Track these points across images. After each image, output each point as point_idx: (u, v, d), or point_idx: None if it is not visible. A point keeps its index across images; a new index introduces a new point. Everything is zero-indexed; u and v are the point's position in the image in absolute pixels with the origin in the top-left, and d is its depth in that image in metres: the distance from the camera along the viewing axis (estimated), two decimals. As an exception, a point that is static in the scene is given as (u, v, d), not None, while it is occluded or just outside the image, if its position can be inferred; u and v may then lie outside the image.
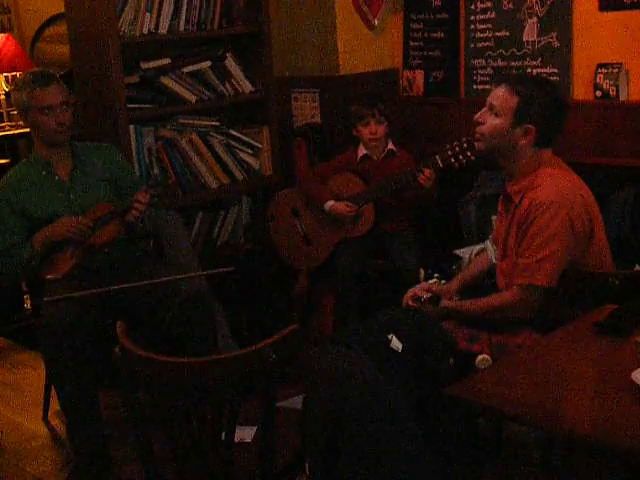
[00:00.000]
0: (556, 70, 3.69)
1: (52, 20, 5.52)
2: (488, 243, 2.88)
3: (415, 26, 4.27)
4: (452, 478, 2.38)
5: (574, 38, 3.63)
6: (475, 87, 4.04)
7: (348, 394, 2.16)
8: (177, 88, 3.89)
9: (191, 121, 4.01)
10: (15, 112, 4.71)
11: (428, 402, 2.34)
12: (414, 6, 4.25)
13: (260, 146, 4.17)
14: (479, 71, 4.01)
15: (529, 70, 3.77)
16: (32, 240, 3.06)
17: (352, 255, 3.67)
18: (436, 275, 2.70)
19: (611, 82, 3.49)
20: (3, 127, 5.27)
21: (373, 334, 2.45)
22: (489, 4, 3.91)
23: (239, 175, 4.13)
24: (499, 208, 2.75)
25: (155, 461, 2.13)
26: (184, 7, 3.84)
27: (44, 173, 3.16)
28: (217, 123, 4.10)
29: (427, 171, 3.45)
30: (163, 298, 3.06)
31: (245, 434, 2.27)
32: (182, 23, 3.86)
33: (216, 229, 4.15)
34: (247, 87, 4.10)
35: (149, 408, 2.06)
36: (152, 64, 3.85)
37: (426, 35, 4.23)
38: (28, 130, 3.38)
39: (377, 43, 4.31)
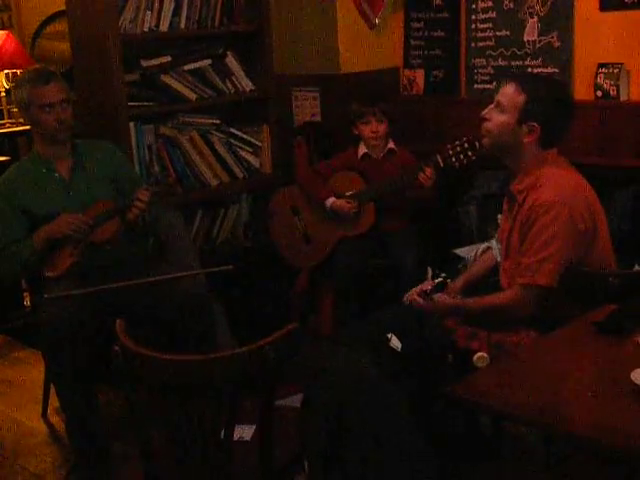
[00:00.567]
0: (557, 70, 3.69)
1: (53, 17, 5.51)
2: (494, 242, 2.88)
3: (416, 25, 4.27)
4: (451, 477, 2.38)
5: (575, 38, 3.63)
6: (476, 86, 4.04)
7: (347, 392, 2.16)
8: (177, 86, 3.89)
9: (191, 119, 4.01)
10: (15, 109, 4.72)
11: (427, 401, 2.34)
12: (415, 5, 4.25)
13: (260, 144, 4.17)
14: (480, 70, 4.01)
15: (529, 70, 3.77)
16: (32, 237, 3.06)
17: (352, 254, 3.67)
18: (443, 275, 2.70)
19: (612, 82, 3.49)
20: (3, 124, 5.27)
21: (372, 333, 2.45)
22: (490, 3, 3.91)
23: (239, 173, 4.13)
24: (504, 207, 2.75)
25: (154, 459, 2.13)
26: (185, 5, 3.84)
27: (44, 171, 3.16)
28: (217, 121, 4.10)
29: (428, 170, 3.46)
30: (163, 296, 3.06)
31: (244, 432, 2.27)
32: (183, 21, 3.86)
33: (216, 227, 4.15)
34: (247, 85, 4.10)
35: (148, 406, 2.06)
36: (153, 62, 3.85)
37: (427, 34, 4.22)
38: (28, 127, 3.38)
39: (378, 42, 4.31)
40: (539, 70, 3.74)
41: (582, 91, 3.63)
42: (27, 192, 3.11)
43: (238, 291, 3.90)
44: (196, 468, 2.06)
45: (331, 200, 3.70)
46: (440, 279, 2.69)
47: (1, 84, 5.21)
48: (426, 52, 4.24)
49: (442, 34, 4.16)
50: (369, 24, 4.26)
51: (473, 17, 4.00)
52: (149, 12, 3.74)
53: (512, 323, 2.55)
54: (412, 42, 4.30)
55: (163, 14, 3.78)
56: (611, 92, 3.50)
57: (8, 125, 5.24)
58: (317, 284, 3.97)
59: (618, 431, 1.66)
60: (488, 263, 2.86)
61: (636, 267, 2.85)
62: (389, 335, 2.41)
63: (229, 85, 4.06)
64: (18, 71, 4.91)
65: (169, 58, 3.90)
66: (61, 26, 5.25)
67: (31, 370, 3.90)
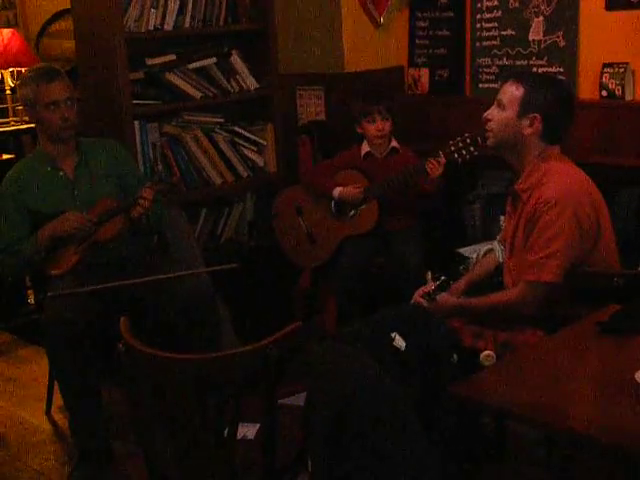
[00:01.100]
0: (562, 69, 3.68)
1: (57, 16, 5.52)
2: (496, 243, 2.88)
3: (421, 24, 4.26)
4: (454, 476, 2.38)
5: (580, 37, 3.62)
6: (480, 86, 4.04)
7: (351, 392, 2.16)
8: (182, 84, 3.89)
9: (196, 117, 4.02)
10: (20, 107, 4.72)
11: (432, 400, 2.34)
12: (420, 4, 4.24)
13: (264, 143, 4.17)
14: (484, 70, 4.00)
15: (534, 69, 3.77)
16: (36, 235, 3.06)
17: (355, 253, 3.67)
18: (443, 277, 2.70)
19: (617, 82, 3.48)
20: (8, 122, 5.27)
21: (376, 332, 2.45)
22: (495, 2, 3.90)
23: (243, 172, 4.13)
24: (507, 208, 2.75)
25: (158, 457, 2.13)
26: (190, 3, 3.85)
27: (49, 169, 3.16)
28: (222, 120, 4.10)
29: (435, 160, 3.44)
30: (167, 294, 3.06)
31: (247, 431, 2.27)
32: (188, 19, 3.86)
33: (220, 226, 4.16)
34: (252, 84, 4.10)
35: (152, 404, 2.06)
36: (157, 60, 3.86)
37: (432, 33, 4.22)
38: (33, 125, 3.38)
39: (382, 41, 4.30)
40: (544, 69, 3.73)
41: (587, 91, 3.63)
42: (32, 190, 3.12)
43: (242, 290, 3.90)
44: (199, 467, 2.06)
45: (338, 189, 3.69)
46: (441, 280, 2.69)
47: (6, 82, 5.21)
48: (431, 51, 4.24)
49: (447, 33, 4.16)
50: (374, 23, 4.26)
51: (478, 16, 4.00)
52: (154, 10, 3.75)
53: (518, 321, 2.55)
54: (417, 41, 4.29)
55: (168, 13, 3.79)
56: (616, 92, 3.49)
57: (13, 123, 5.25)
58: (321, 283, 3.97)
59: (622, 431, 1.66)
60: (490, 265, 2.86)
61: (640, 267, 2.84)
62: (393, 334, 2.41)
63: (234, 84, 4.06)
64: (23, 69, 4.91)
65: (174, 57, 3.90)
66: (66, 24, 5.26)
67: (35, 368, 3.91)
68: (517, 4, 3.82)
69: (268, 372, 1.95)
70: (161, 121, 3.91)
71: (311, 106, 4.33)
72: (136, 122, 3.75)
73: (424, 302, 2.67)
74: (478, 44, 4.02)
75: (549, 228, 2.46)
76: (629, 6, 3.44)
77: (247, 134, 4.14)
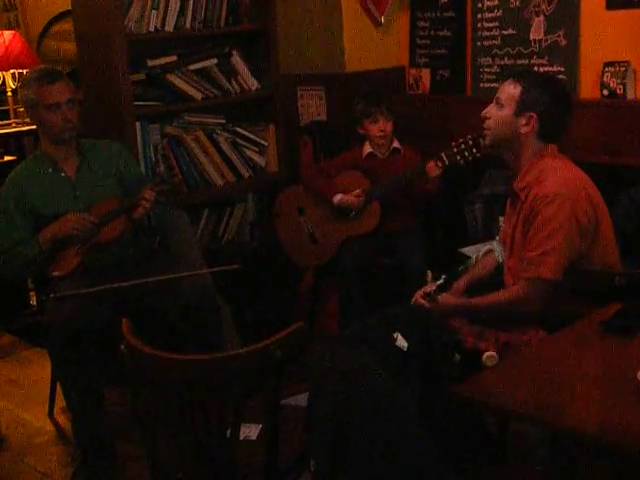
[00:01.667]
0: (563, 68, 3.68)
1: (59, 17, 5.53)
2: (495, 244, 2.88)
3: (421, 24, 4.26)
4: (457, 476, 2.38)
5: (581, 36, 3.62)
6: (481, 85, 4.03)
7: (353, 392, 2.16)
8: (183, 85, 3.90)
9: (197, 118, 4.02)
10: (22, 109, 4.73)
11: (434, 400, 2.34)
12: (420, 4, 4.24)
13: (266, 144, 4.18)
14: (485, 69, 4.00)
15: (535, 68, 3.76)
16: (38, 237, 3.07)
17: (357, 253, 3.67)
18: (443, 277, 2.70)
19: (618, 81, 3.48)
20: (10, 124, 5.28)
21: (379, 332, 2.45)
22: (496, 2, 3.90)
23: (245, 172, 4.13)
24: (507, 209, 2.75)
25: (160, 458, 2.13)
26: (190, 4, 3.85)
27: (50, 170, 3.16)
28: (223, 120, 4.10)
29: (433, 162, 3.44)
30: (169, 295, 3.06)
31: (250, 431, 2.27)
32: (188, 20, 3.86)
33: (222, 227, 4.16)
34: (253, 84, 4.11)
35: (154, 405, 2.06)
36: (158, 61, 3.86)
37: (432, 33, 4.22)
38: (35, 127, 3.39)
39: (383, 41, 4.30)
40: (545, 69, 3.73)
41: (588, 90, 3.62)
42: (33, 192, 3.12)
43: (244, 291, 3.91)
44: (202, 468, 2.06)
45: (339, 197, 3.69)
46: (442, 280, 2.69)
47: (8, 84, 5.22)
48: (432, 51, 4.24)
49: (448, 33, 4.16)
50: (375, 23, 4.25)
51: (479, 16, 3.99)
52: (155, 12, 3.75)
53: (519, 321, 2.55)
54: (418, 41, 4.29)
55: (169, 14, 3.79)
56: (617, 91, 3.49)
57: (14, 125, 5.25)
58: (323, 284, 3.97)
59: (625, 430, 1.65)
60: (490, 265, 2.87)
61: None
62: (395, 334, 2.41)
63: (235, 84, 4.06)
64: (24, 71, 4.92)
65: (175, 58, 3.90)
66: (67, 26, 5.26)
67: (37, 369, 3.91)
68: (518, 3, 3.81)
69: (270, 373, 1.95)
70: (162, 122, 3.92)
71: (312, 106, 4.33)
72: (137, 123, 3.76)
73: (425, 302, 2.67)
74: (479, 44, 4.02)
75: (547, 224, 2.47)
76: (630, 5, 3.44)
77: (248, 135, 4.14)
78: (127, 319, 2.06)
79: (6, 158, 4.77)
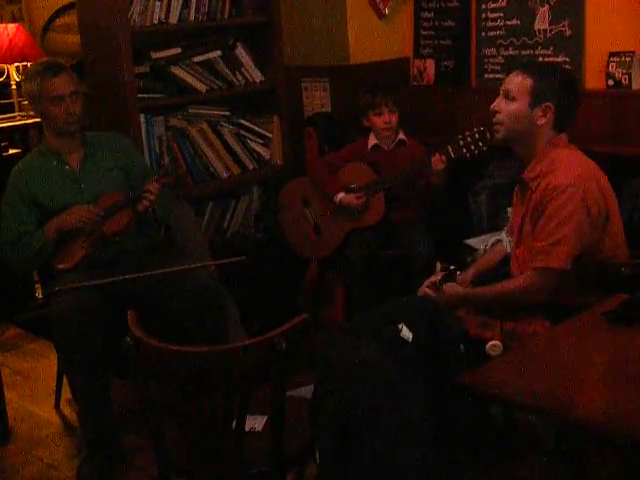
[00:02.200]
0: (568, 59, 3.67)
1: (62, 10, 5.52)
2: (504, 234, 2.88)
3: (426, 15, 4.25)
4: (463, 467, 2.38)
5: (586, 26, 3.60)
6: (486, 76, 4.02)
7: (358, 383, 2.16)
8: (187, 78, 3.89)
9: (201, 111, 4.01)
10: (26, 102, 4.72)
11: (439, 391, 2.34)
12: (425, -5, 4.23)
13: (270, 135, 4.17)
14: (490, 60, 3.99)
15: (540, 59, 3.75)
16: (43, 230, 3.07)
17: (362, 245, 3.67)
18: (452, 267, 2.70)
19: (623, 70, 3.47)
20: (14, 117, 5.27)
21: (383, 323, 2.45)
22: (500, -8, 3.89)
23: (249, 165, 4.13)
24: (514, 199, 2.74)
25: (166, 450, 2.14)
26: (194, -4, 3.84)
27: (55, 163, 3.16)
28: (227, 113, 4.10)
29: (439, 155, 3.44)
30: (174, 287, 3.06)
31: (255, 423, 2.28)
32: (192, 12, 3.85)
33: (227, 219, 4.16)
34: (257, 76, 4.10)
35: (160, 397, 2.07)
36: (162, 54, 3.85)
37: (437, 24, 4.21)
38: (39, 120, 3.39)
39: (388, 32, 4.29)
40: (550, 59, 3.72)
41: (593, 80, 3.61)
42: (38, 184, 3.12)
43: (249, 282, 3.91)
44: (208, 459, 2.07)
45: (340, 195, 3.70)
46: (449, 270, 2.68)
47: (12, 77, 5.21)
48: (436, 42, 4.22)
49: (452, 24, 4.14)
50: (379, 14, 4.24)
51: (483, 6, 3.98)
52: (158, 4, 3.74)
53: (525, 311, 2.55)
54: (422, 32, 4.28)
55: (172, 6, 3.78)
56: (623, 81, 3.47)
57: (19, 118, 5.25)
58: (328, 275, 3.97)
59: (631, 420, 1.65)
60: (498, 255, 2.86)
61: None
62: (400, 325, 2.41)
63: (239, 76, 4.05)
64: (29, 64, 4.91)
65: (179, 50, 3.90)
66: (71, 19, 5.25)
67: (44, 362, 3.92)
68: (522, -7, 3.80)
69: (276, 364, 1.95)
70: (167, 114, 3.91)
71: (316, 98, 4.33)
72: (142, 116, 3.75)
73: (431, 292, 2.66)
74: (483, 34, 4.00)
75: (557, 214, 2.46)
76: (635, -6, 3.43)
77: (253, 127, 4.14)
78: (132, 311, 2.07)
79: (11, 151, 4.77)
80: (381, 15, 4.24)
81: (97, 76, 3.82)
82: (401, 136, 3.78)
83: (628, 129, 3.47)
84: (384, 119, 3.69)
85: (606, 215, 2.52)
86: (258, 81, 4.10)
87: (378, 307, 2.59)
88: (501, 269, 2.79)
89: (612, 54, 3.50)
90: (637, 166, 3.32)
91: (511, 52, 3.89)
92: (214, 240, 4.02)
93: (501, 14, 3.90)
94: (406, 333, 2.39)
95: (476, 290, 2.66)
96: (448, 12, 4.14)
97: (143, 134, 3.76)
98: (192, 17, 3.86)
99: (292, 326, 1.96)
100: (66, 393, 3.37)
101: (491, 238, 2.98)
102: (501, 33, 3.92)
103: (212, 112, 4.06)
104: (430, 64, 4.26)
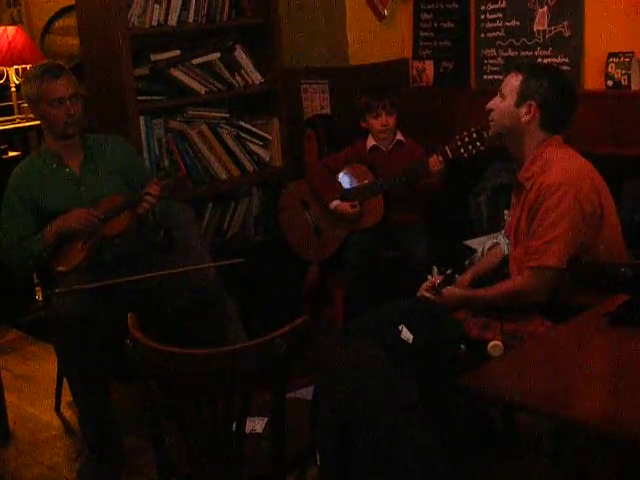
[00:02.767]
0: (567, 60, 3.67)
1: (62, 12, 5.52)
2: (501, 237, 2.88)
3: (425, 16, 4.25)
4: (463, 468, 2.38)
5: (585, 27, 3.60)
6: (485, 77, 4.02)
7: (359, 385, 2.16)
8: (187, 80, 3.89)
9: (201, 113, 4.02)
10: (25, 105, 4.72)
11: (439, 393, 2.34)
12: (424, -4, 4.23)
13: (270, 137, 4.17)
14: (489, 61, 3.99)
15: (540, 60, 3.75)
16: (43, 232, 3.07)
17: (362, 247, 3.67)
18: (448, 272, 2.70)
19: (623, 71, 3.47)
20: (14, 120, 5.28)
21: (383, 325, 2.45)
22: (499, -7, 3.89)
23: (249, 166, 4.13)
24: (512, 201, 2.75)
25: (166, 452, 2.14)
26: (193, -2, 3.84)
27: (54, 165, 3.16)
28: (227, 114, 4.10)
29: (436, 155, 3.44)
30: (174, 290, 3.06)
31: (256, 425, 2.27)
32: (191, 15, 3.86)
33: (226, 221, 4.16)
34: (257, 78, 4.10)
35: (160, 399, 2.07)
36: (162, 56, 3.85)
37: (436, 25, 4.21)
38: (39, 122, 3.39)
39: (387, 33, 4.29)
40: (549, 60, 3.72)
41: (593, 81, 3.61)
42: (38, 187, 3.12)
43: (249, 284, 3.91)
44: (208, 461, 2.07)
45: (335, 203, 3.71)
46: (447, 274, 2.69)
47: (11, 79, 5.22)
48: (435, 43, 4.23)
49: (451, 25, 4.15)
50: (378, 15, 4.24)
51: (482, 7, 3.98)
52: (157, 6, 3.75)
53: (524, 311, 2.55)
54: (421, 33, 4.28)
55: (171, 8, 3.78)
56: (622, 82, 3.48)
57: (18, 120, 5.25)
58: (328, 277, 3.97)
59: (629, 421, 1.65)
60: (495, 258, 2.86)
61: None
62: (400, 327, 2.41)
63: (238, 78, 4.06)
64: (28, 66, 4.91)
65: (178, 52, 3.90)
66: (70, 21, 5.25)
67: (44, 364, 3.92)
68: (521, -5, 3.80)
69: (276, 366, 1.95)
70: (166, 117, 3.92)
71: (316, 100, 4.33)
72: (141, 118, 3.75)
73: (430, 295, 2.67)
74: (482, 35, 4.01)
75: (551, 213, 2.47)
76: (634, -5, 3.43)
77: (252, 129, 4.14)
78: (133, 313, 2.07)
79: (10, 154, 4.77)
80: (380, 16, 4.24)
81: (96, 78, 3.82)
82: (399, 137, 3.78)
83: (627, 130, 3.47)
84: (381, 121, 3.69)
85: (601, 214, 2.52)
86: (257, 83, 4.11)
87: (378, 309, 2.59)
88: (499, 271, 2.80)
89: (611, 55, 3.50)
90: (636, 167, 3.33)
91: (510, 53, 3.89)
92: (214, 242, 4.02)
93: (500, 15, 3.90)
94: (406, 334, 2.40)
95: (475, 292, 2.67)
96: (447, 13, 4.15)
97: (143, 136, 3.76)
98: (191, 19, 3.86)
99: (292, 328, 1.96)
100: (66, 396, 3.37)
101: (489, 241, 2.98)
102: (500, 34, 3.92)
103: (211, 114, 4.06)
104: (429, 65, 4.26)
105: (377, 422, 2.13)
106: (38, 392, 3.68)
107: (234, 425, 2.00)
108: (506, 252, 2.82)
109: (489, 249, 2.93)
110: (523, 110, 2.55)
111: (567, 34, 3.66)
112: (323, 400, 2.23)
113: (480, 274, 2.85)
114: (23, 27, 5.61)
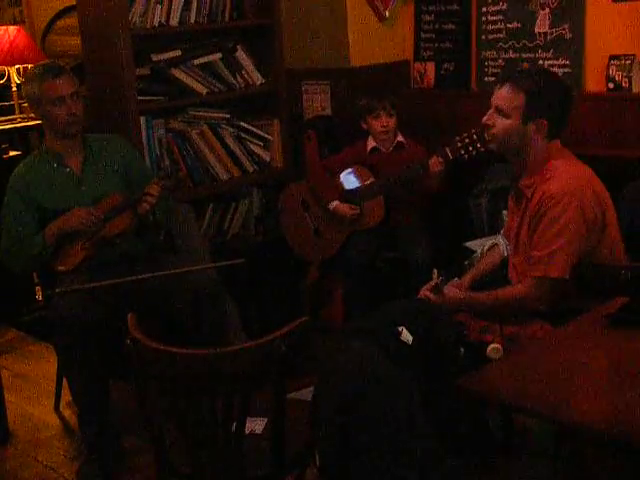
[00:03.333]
0: (568, 62, 3.67)
1: (63, 12, 5.53)
2: (500, 238, 2.88)
3: (426, 18, 4.25)
4: (462, 470, 2.38)
5: (586, 29, 3.60)
6: (486, 79, 4.02)
7: (358, 386, 2.16)
8: (188, 80, 3.89)
9: (202, 113, 4.02)
10: (26, 104, 4.73)
11: (438, 394, 2.34)
12: (425, -3, 4.23)
13: (270, 138, 4.17)
14: (490, 63, 3.99)
15: (541, 62, 3.76)
16: (44, 232, 3.07)
17: (362, 247, 3.67)
18: (440, 278, 2.70)
19: (623, 74, 3.47)
20: (15, 119, 5.28)
21: (383, 326, 2.45)
22: (501, -5, 3.89)
23: (250, 167, 4.13)
24: (509, 204, 2.75)
25: (166, 452, 2.14)
26: (195, -1, 3.84)
27: (55, 165, 3.17)
28: (228, 115, 4.10)
29: (436, 157, 3.44)
30: (174, 290, 3.06)
31: (256, 425, 2.28)
32: (193, 15, 3.86)
33: (227, 221, 4.16)
34: (258, 79, 4.10)
35: (160, 399, 2.07)
36: (163, 56, 3.86)
37: (437, 27, 4.21)
38: (40, 122, 3.39)
39: (388, 35, 4.30)
40: (550, 62, 3.72)
41: (594, 83, 3.61)
42: (39, 187, 3.12)
43: (249, 285, 3.91)
44: (208, 461, 2.07)
45: (334, 204, 3.71)
46: (446, 277, 2.69)
47: (12, 79, 5.22)
48: (437, 45, 4.23)
49: (453, 27, 4.15)
50: (379, 17, 4.25)
51: (484, 9, 3.98)
52: (159, 6, 3.75)
53: (525, 315, 2.55)
54: (422, 35, 4.28)
55: (173, 8, 3.79)
56: (623, 84, 3.48)
57: (19, 120, 5.26)
58: (328, 277, 3.97)
59: (629, 424, 1.65)
60: (495, 260, 2.86)
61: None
62: (400, 328, 2.41)
63: (239, 79, 4.06)
64: (29, 66, 4.92)
65: (179, 52, 3.90)
66: (71, 21, 5.26)
67: (44, 364, 3.92)
68: (523, -3, 3.80)
69: (275, 367, 1.95)
70: (167, 117, 3.92)
71: (317, 101, 4.33)
72: (142, 118, 3.75)
73: (431, 296, 2.67)
74: (484, 37, 4.01)
75: (555, 223, 2.46)
76: (635, -2, 3.43)
77: (253, 129, 4.14)
78: (133, 313, 2.07)
79: (11, 153, 4.77)
80: (382, 18, 4.24)
81: (97, 78, 3.82)
82: (400, 139, 3.78)
83: (628, 132, 3.47)
84: (382, 122, 3.69)
85: (603, 221, 2.52)
86: (258, 84, 4.11)
87: (378, 310, 2.59)
88: (499, 273, 2.80)
89: (612, 57, 3.50)
90: (636, 169, 3.32)
91: (511, 55, 3.89)
92: (214, 242, 4.03)
93: (501, 17, 3.90)
94: (406, 336, 2.40)
95: (476, 295, 2.66)
96: (449, 15, 4.15)
97: (143, 136, 3.76)
98: (193, 19, 3.86)
99: (292, 328, 1.96)
100: (66, 395, 3.37)
101: (488, 242, 2.98)
102: (501, 36, 3.92)
103: (212, 115, 4.06)
104: (430, 67, 4.26)
105: (377, 423, 2.13)
106: (38, 392, 3.68)
107: (234, 425, 2.00)
108: (505, 254, 2.82)
109: (488, 250, 2.93)
110: (532, 127, 2.51)
111: (568, 36, 3.66)
112: (323, 401, 2.23)
113: (479, 277, 2.85)
114: (25, 27, 5.61)
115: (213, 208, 4.09)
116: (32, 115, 4.85)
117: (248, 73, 4.07)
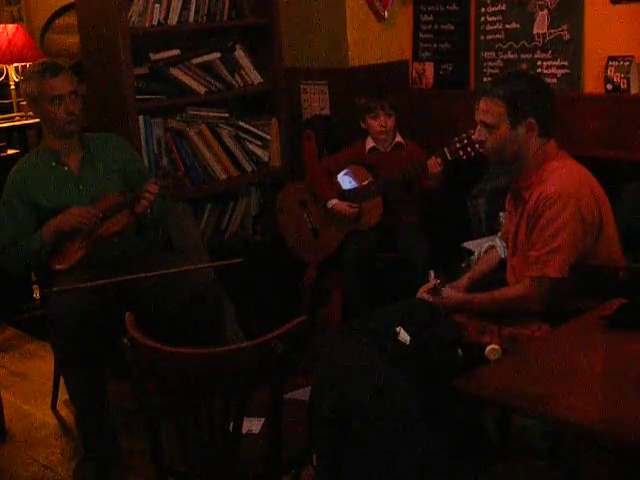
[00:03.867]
0: (566, 63, 3.67)
1: (62, 11, 5.52)
2: (497, 240, 2.88)
3: (425, 18, 4.25)
4: (459, 470, 2.38)
5: (585, 31, 3.61)
6: (485, 80, 4.02)
7: (355, 386, 2.16)
8: (186, 79, 3.89)
9: (200, 112, 4.01)
10: (25, 103, 4.72)
11: (436, 395, 2.34)
12: (424, -2, 4.23)
13: (269, 138, 4.17)
14: (489, 64, 3.99)
15: (539, 63, 3.76)
16: (41, 231, 3.07)
17: (360, 247, 3.67)
18: (439, 281, 2.70)
19: (622, 75, 3.47)
20: (13, 118, 5.27)
21: (381, 327, 2.45)
22: (499, -4, 3.89)
23: (248, 167, 4.13)
24: (507, 206, 2.75)
25: (163, 451, 2.13)
26: (194, -2, 3.84)
27: (53, 164, 3.16)
28: (226, 114, 4.10)
29: (435, 158, 3.44)
30: (171, 289, 3.06)
31: (253, 425, 2.27)
32: (192, 14, 3.85)
33: (225, 221, 4.15)
34: (256, 78, 4.10)
35: (157, 399, 2.07)
36: (161, 55, 3.85)
37: (436, 27, 4.21)
38: (38, 121, 3.39)
39: (387, 35, 4.30)
40: (549, 63, 3.72)
41: (592, 84, 3.61)
42: (37, 185, 3.12)
43: (247, 285, 3.91)
44: (205, 461, 2.07)
45: (333, 202, 3.71)
46: (443, 279, 2.69)
47: (11, 77, 5.22)
48: (435, 45, 4.23)
49: (451, 27, 4.15)
50: (378, 17, 4.25)
51: (482, 10, 3.98)
52: (158, 5, 3.74)
53: (523, 316, 2.55)
54: (421, 35, 4.28)
55: (172, 7, 3.78)
56: (621, 85, 3.48)
57: (18, 118, 5.25)
58: (326, 277, 3.97)
59: (626, 425, 1.65)
60: (492, 261, 2.87)
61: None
62: (398, 329, 2.41)
63: (238, 78, 4.05)
64: (28, 64, 4.91)
65: (178, 51, 3.90)
66: (70, 19, 5.26)
67: (41, 363, 3.92)
68: (521, -3, 3.81)
69: (273, 366, 1.95)
70: (165, 116, 3.91)
71: (315, 101, 4.33)
72: (140, 117, 3.75)
73: (429, 297, 2.67)
74: (482, 38, 4.01)
75: (552, 224, 2.46)
76: (634, -1, 3.43)
77: (251, 129, 4.14)
78: (130, 313, 2.06)
79: (9, 152, 4.77)
80: (380, 18, 4.24)
81: (96, 77, 3.82)
82: (398, 139, 3.78)
83: (627, 133, 3.47)
84: (380, 122, 3.69)
85: (600, 222, 2.52)
86: (257, 83, 4.10)
87: (376, 310, 2.59)
88: (496, 274, 2.80)
89: (611, 58, 3.50)
90: (635, 171, 3.33)
91: (510, 56, 3.89)
92: (212, 242, 4.02)
93: (500, 17, 3.91)
94: (404, 336, 2.40)
95: (474, 296, 2.67)
96: (447, 15, 4.15)
97: (142, 135, 3.76)
98: (191, 19, 3.86)
99: (290, 328, 1.96)
100: (63, 394, 3.37)
101: (485, 243, 2.99)
102: (500, 37, 3.92)
103: (211, 114, 4.05)
104: (429, 67, 4.26)
105: (374, 423, 2.13)
106: (34, 390, 3.68)
107: (231, 425, 2.00)
108: (502, 255, 2.82)
109: (485, 252, 2.94)
110: (522, 130, 2.53)
111: (567, 37, 3.66)
112: (320, 401, 2.23)
113: (477, 278, 2.85)
114: (23, 25, 5.61)
115: (211, 207, 4.09)
116: (30, 113, 4.85)
117: (247, 73, 4.07)
